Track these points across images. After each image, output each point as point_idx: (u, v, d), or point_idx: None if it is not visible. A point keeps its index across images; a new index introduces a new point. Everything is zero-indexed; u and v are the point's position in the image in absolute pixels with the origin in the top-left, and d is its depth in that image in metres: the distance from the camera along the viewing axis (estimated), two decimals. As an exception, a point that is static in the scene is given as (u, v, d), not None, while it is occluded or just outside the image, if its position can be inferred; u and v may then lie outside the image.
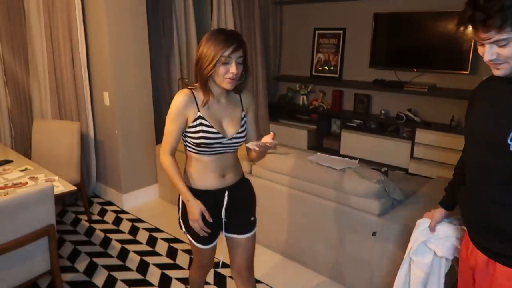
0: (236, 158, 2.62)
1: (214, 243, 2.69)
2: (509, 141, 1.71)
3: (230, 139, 2.44)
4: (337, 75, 7.04)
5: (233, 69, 2.29)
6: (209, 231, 2.51)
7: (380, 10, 6.30)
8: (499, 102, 1.82)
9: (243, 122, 2.51)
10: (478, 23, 1.64)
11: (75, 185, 3.95)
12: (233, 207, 2.61)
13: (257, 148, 2.30)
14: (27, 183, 3.63)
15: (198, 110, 2.40)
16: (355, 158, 4.01)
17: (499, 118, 1.78)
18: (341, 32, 6.91)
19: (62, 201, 5.35)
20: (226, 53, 2.26)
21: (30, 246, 3.03)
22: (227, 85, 2.34)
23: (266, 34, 7.36)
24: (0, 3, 4.91)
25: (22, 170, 3.93)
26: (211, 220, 2.49)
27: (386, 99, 6.58)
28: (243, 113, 2.53)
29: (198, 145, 2.41)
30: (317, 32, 7.18)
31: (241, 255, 2.70)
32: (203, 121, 2.39)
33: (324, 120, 7.29)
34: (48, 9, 5.02)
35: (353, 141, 6.69)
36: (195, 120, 2.40)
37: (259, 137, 2.49)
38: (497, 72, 1.76)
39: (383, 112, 6.55)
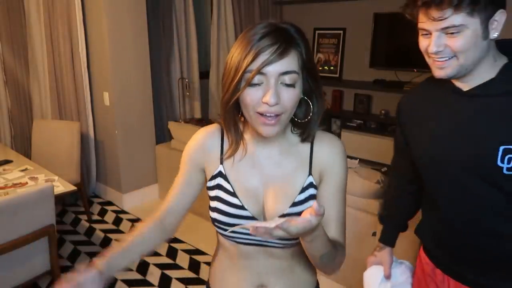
0: (294, 262, 1.51)
1: None
2: (499, 163, 1.45)
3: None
4: (337, 75, 6.94)
5: (268, 96, 1.23)
6: None
7: (380, 10, 6.27)
8: (463, 121, 1.54)
9: (302, 197, 1.40)
10: None
11: (75, 185, 3.95)
12: None
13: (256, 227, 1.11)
14: (27, 183, 3.63)
15: (221, 162, 1.47)
16: (355, 158, 3.99)
17: (476, 140, 1.50)
18: (341, 32, 6.81)
19: (62, 201, 5.34)
20: (255, 65, 1.24)
21: (30, 246, 3.02)
22: (261, 128, 1.30)
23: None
24: (0, 3, 4.91)
25: (22, 170, 3.93)
26: None
27: (386, 99, 6.43)
28: (309, 180, 1.42)
29: (212, 221, 1.47)
30: (317, 32, 7.08)
31: None
32: (223, 183, 1.45)
33: (324, 120, 6.92)
34: (48, 9, 5.03)
35: (353, 141, 6.59)
36: (213, 177, 1.48)
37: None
38: (440, 73, 1.51)
39: (383, 112, 6.42)
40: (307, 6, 7.17)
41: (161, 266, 4.08)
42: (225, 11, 6.32)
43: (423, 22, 1.47)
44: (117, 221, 5.00)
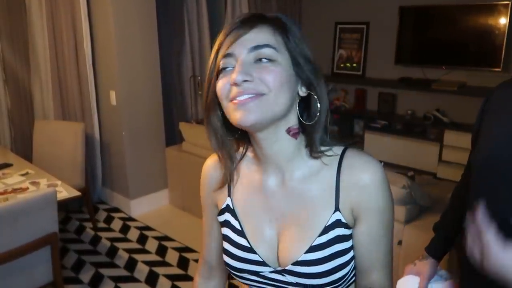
0: None
1: None
2: None
3: (280, 272, 1.23)
4: (360, 73, 6.98)
5: (234, 74, 1.10)
6: None
7: (406, 3, 6.26)
8: None
9: (324, 239, 1.19)
10: None
11: (79, 190, 3.94)
12: None
13: None
14: (28, 188, 3.64)
15: (229, 194, 1.34)
16: (379, 162, 3.93)
17: None
18: (364, 26, 6.85)
19: (66, 208, 5.33)
20: (223, 49, 1.15)
21: (31, 256, 3.01)
22: (233, 115, 1.12)
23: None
24: (0, -4, 4.94)
25: (23, 174, 3.94)
26: None
27: (412, 99, 6.52)
28: (336, 217, 1.20)
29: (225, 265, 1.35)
30: (338, 26, 7.11)
31: None
32: (230, 219, 1.32)
33: (346, 121, 7.22)
34: (51, 2, 5.04)
35: (377, 143, 6.65)
36: (221, 212, 1.36)
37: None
38: None
39: (409, 112, 6.47)
40: (328, -2, 7.17)
41: (171, 277, 4.08)
42: (240, 4, 6.28)
43: None
44: (125, 229, 4.98)
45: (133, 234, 4.87)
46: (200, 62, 6.03)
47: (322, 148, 1.21)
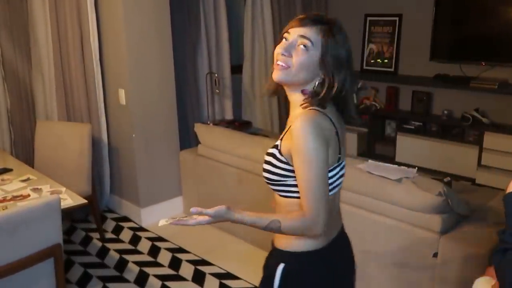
0: (281, 209, 2.13)
1: None
2: None
3: None
4: (392, 69, 7.07)
5: (282, 47, 1.96)
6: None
7: (443, -7, 6.25)
8: None
9: (269, 151, 2.08)
10: None
11: (85, 197, 3.96)
12: None
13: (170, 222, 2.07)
14: (29, 195, 3.67)
15: None
16: (413, 167, 4.03)
17: None
18: (397, 18, 6.94)
19: (71, 217, 5.34)
20: (287, 27, 2.00)
21: (32, 270, 3.01)
22: (273, 73, 2.00)
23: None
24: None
25: (24, 180, 3.97)
26: None
27: (449, 98, 6.59)
28: (278, 143, 2.06)
29: None
30: (368, 19, 7.24)
31: None
32: None
33: (376, 122, 7.31)
34: (54, -9, 5.03)
35: (410, 147, 6.75)
36: None
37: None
38: None
39: (445, 112, 6.54)
40: (357, -12, 7.19)
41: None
42: (262, -6, 6.27)
43: None
44: (135, 240, 5.00)
45: (144, 245, 4.87)
46: (217, 58, 6.04)
47: (305, 103, 2.00)
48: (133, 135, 5.06)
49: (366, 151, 7.22)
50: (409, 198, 3.41)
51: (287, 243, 2.06)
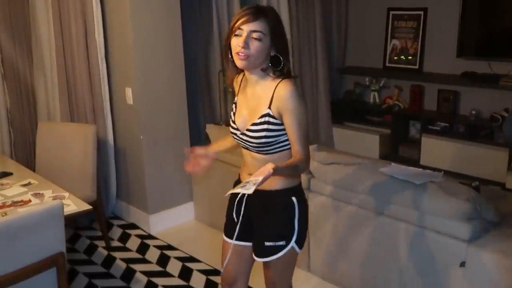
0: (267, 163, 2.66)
1: (232, 240, 3.08)
2: None
3: (242, 134, 2.77)
4: (417, 67, 7.09)
5: (240, 42, 2.54)
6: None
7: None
8: None
9: (260, 120, 2.69)
10: None
11: (90, 203, 3.96)
12: (251, 219, 2.98)
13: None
14: (30, 200, 3.68)
15: (237, 94, 2.92)
16: (439, 170, 4.07)
17: None
18: (422, 13, 6.94)
19: (74, 224, 5.37)
20: (237, 24, 2.57)
21: (34, 280, 3.02)
22: (237, 62, 2.62)
23: (328, 16, 7.37)
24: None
25: (24, 185, 3.99)
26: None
27: (477, 97, 6.57)
28: (268, 111, 2.68)
29: None
30: (391, 13, 7.26)
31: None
32: (233, 107, 2.91)
33: (400, 123, 7.32)
34: (57, -15, 5.05)
35: (436, 149, 6.75)
36: (233, 104, 2.95)
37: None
38: None
39: (473, 112, 6.53)
40: (379, -19, 7.21)
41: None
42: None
43: None
44: (143, 248, 5.02)
45: (153, 254, 4.89)
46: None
47: (274, 76, 2.70)
48: (141, 137, 5.08)
49: (389, 154, 7.20)
50: (434, 203, 3.42)
51: (283, 183, 2.78)
